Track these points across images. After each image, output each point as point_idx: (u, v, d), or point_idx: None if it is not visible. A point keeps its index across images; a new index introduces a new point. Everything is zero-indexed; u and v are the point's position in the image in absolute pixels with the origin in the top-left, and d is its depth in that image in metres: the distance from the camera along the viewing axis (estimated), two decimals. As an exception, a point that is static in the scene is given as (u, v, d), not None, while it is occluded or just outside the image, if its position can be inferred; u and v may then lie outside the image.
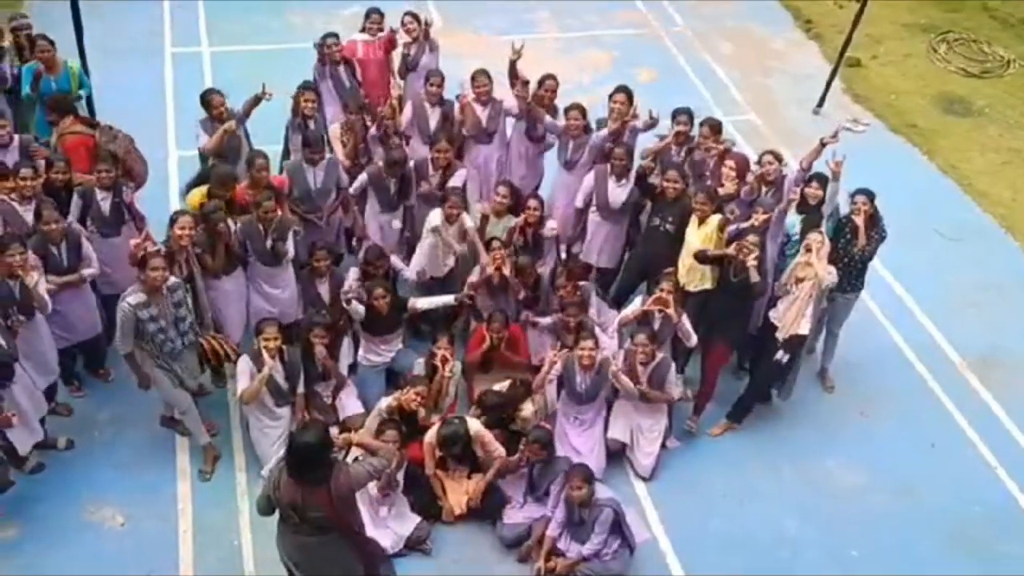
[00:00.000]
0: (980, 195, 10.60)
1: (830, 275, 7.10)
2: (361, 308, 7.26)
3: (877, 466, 7.62)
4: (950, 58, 12.89)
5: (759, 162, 7.76)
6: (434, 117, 8.37)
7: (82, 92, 8.53)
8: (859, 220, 7.30)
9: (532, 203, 7.82)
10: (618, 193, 7.87)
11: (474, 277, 7.68)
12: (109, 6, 11.64)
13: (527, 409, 7.23)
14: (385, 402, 6.83)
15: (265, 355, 6.74)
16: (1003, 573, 6.94)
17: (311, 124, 8.09)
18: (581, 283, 7.68)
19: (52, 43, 8.36)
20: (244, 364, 6.82)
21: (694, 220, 7.49)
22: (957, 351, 8.69)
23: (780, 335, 7.24)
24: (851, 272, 7.53)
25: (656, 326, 7.23)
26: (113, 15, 11.58)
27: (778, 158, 7.74)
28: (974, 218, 10.30)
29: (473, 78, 8.37)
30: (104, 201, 7.16)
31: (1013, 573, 6.94)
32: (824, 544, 7.04)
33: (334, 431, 6.41)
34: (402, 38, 9.01)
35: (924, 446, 7.84)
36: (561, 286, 7.59)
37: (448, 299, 7.62)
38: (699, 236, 7.46)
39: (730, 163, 7.71)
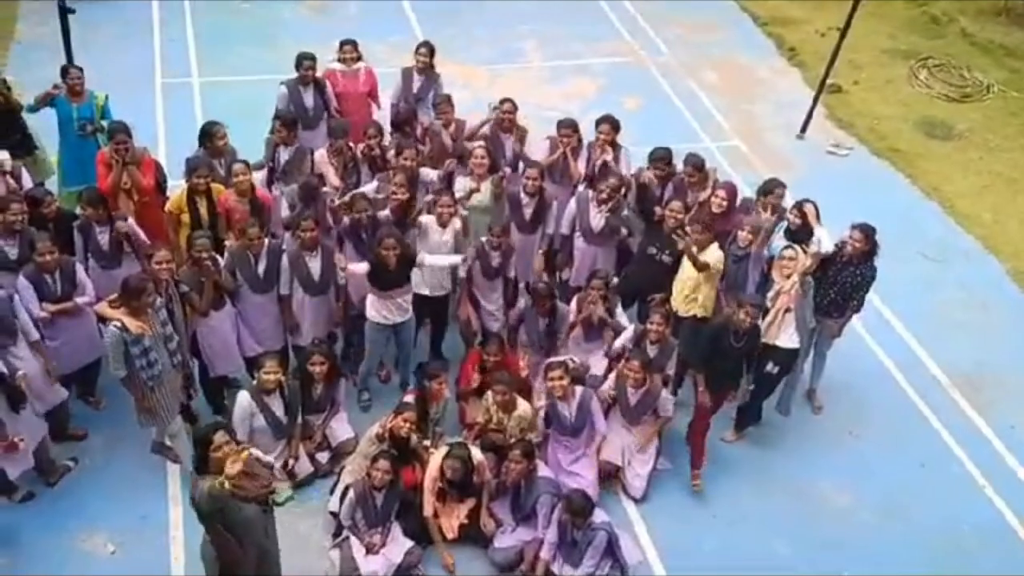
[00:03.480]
0: (962, 217, 10.75)
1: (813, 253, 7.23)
2: (363, 266, 7.25)
3: (866, 486, 7.67)
4: (931, 83, 13.10)
5: (770, 192, 7.79)
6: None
7: (104, 122, 8.53)
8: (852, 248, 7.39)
9: (531, 172, 7.93)
10: (599, 219, 7.94)
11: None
12: (100, 39, 11.76)
13: (522, 408, 7.18)
14: (375, 429, 6.85)
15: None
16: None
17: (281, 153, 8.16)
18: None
19: (81, 71, 8.52)
20: (244, 399, 6.80)
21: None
22: (943, 370, 8.77)
23: (771, 340, 7.33)
24: (840, 297, 7.60)
25: (652, 354, 7.26)
26: (104, 48, 11.69)
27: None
28: (957, 239, 10.44)
29: (436, 104, 8.58)
30: (102, 235, 7.23)
31: (1003, 591, 6.99)
32: (815, 564, 7.06)
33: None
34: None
35: (913, 465, 7.89)
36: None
37: (456, 259, 7.57)
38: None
39: (721, 193, 7.77)
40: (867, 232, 7.38)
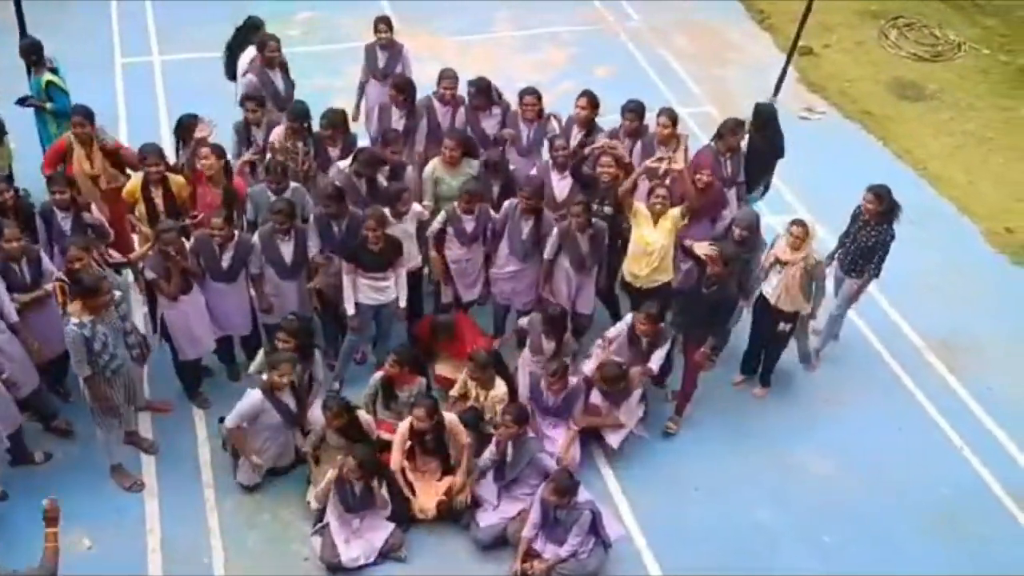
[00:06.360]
0: (935, 179, 10.73)
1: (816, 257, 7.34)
2: None
3: (846, 451, 7.70)
4: (901, 43, 13.04)
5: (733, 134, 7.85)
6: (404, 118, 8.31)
7: (48, 106, 8.31)
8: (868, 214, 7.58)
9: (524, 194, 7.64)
10: (562, 186, 7.80)
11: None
12: (56, 18, 11.41)
13: (499, 389, 7.14)
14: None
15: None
16: (972, 552, 7.03)
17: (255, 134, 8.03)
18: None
19: (30, 50, 8.33)
20: (256, 396, 6.66)
21: (647, 220, 7.42)
22: (919, 334, 8.80)
23: (779, 306, 7.41)
24: (859, 256, 7.73)
25: (644, 346, 7.22)
26: (60, 27, 11.32)
27: None
28: (930, 202, 10.42)
29: (441, 78, 8.32)
30: (65, 221, 7.07)
31: (981, 551, 7.04)
32: (797, 531, 7.10)
33: None
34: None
35: (891, 430, 7.93)
36: None
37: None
38: (658, 233, 7.41)
39: (706, 171, 7.63)
40: (878, 193, 7.53)
